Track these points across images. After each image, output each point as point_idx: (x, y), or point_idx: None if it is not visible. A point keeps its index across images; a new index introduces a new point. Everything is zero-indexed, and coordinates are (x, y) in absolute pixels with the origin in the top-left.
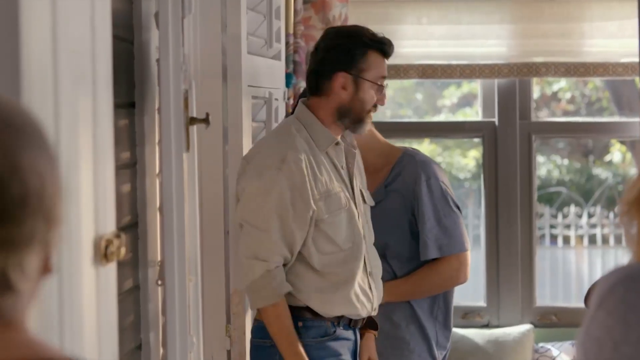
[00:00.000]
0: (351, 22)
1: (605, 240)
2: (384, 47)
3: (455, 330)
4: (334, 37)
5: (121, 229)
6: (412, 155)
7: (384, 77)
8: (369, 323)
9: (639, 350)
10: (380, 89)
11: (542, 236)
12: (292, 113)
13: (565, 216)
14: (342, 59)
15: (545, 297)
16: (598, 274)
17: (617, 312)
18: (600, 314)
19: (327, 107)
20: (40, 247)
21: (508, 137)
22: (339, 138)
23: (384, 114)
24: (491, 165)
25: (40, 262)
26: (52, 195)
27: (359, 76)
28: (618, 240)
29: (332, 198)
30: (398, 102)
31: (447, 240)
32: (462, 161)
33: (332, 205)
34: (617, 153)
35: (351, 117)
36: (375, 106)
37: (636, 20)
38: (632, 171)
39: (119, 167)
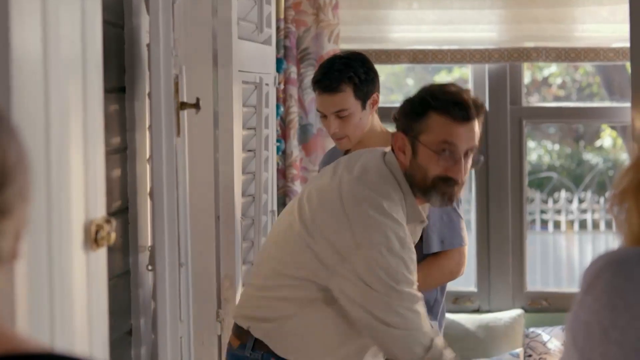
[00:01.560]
0: (342, 8)
1: (595, 225)
2: (450, 108)
3: (446, 315)
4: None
5: (111, 214)
6: None
7: (449, 143)
8: None
9: (627, 335)
10: (445, 156)
11: (533, 221)
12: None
13: (555, 201)
14: (403, 118)
15: (536, 282)
16: (589, 259)
17: (604, 297)
18: (588, 299)
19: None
20: (14, 225)
21: (499, 122)
22: (424, 215)
23: None
24: (482, 151)
25: (12, 244)
26: (20, 170)
27: (417, 139)
28: (609, 225)
29: None
30: (389, 87)
31: (449, 234)
32: None
33: None
34: (607, 138)
35: (415, 185)
36: (447, 178)
37: (627, 5)
38: (623, 156)
39: (110, 152)
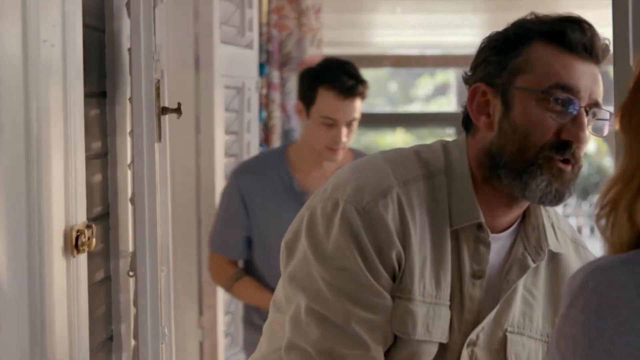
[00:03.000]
0: (325, 12)
1: (579, 230)
2: (565, 32)
3: None
4: None
5: (92, 219)
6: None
7: (564, 86)
8: None
9: (616, 343)
10: (557, 108)
11: None
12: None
13: None
14: None
15: None
16: None
17: (590, 307)
18: (573, 311)
19: None
20: None
21: None
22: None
23: None
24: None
25: None
26: None
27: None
28: (593, 230)
29: None
30: (371, 91)
31: None
32: None
33: None
34: (592, 144)
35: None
36: (563, 144)
37: (610, 10)
38: (607, 162)
39: (90, 157)
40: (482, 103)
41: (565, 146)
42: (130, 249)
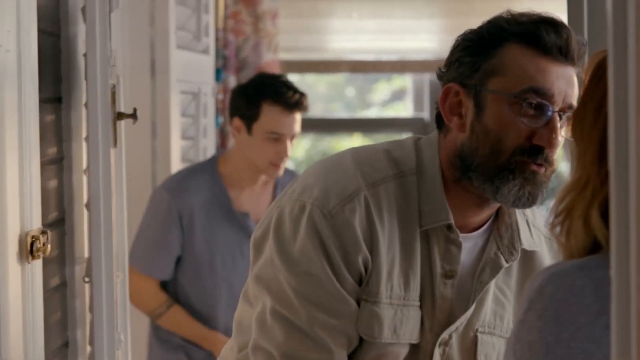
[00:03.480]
0: (281, 16)
1: None
2: (540, 34)
3: None
4: None
5: (47, 225)
6: (294, 175)
7: (537, 91)
8: None
9: (572, 349)
10: (530, 111)
11: None
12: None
13: None
14: None
15: None
16: None
17: (548, 312)
18: (530, 317)
19: None
20: None
21: None
22: None
23: (315, 108)
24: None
25: None
26: None
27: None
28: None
29: None
30: (329, 96)
31: None
32: None
33: None
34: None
35: (475, 168)
36: (535, 149)
37: (565, 16)
38: (563, 167)
39: (45, 163)
40: (455, 103)
41: (537, 151)
42: (86, 254)
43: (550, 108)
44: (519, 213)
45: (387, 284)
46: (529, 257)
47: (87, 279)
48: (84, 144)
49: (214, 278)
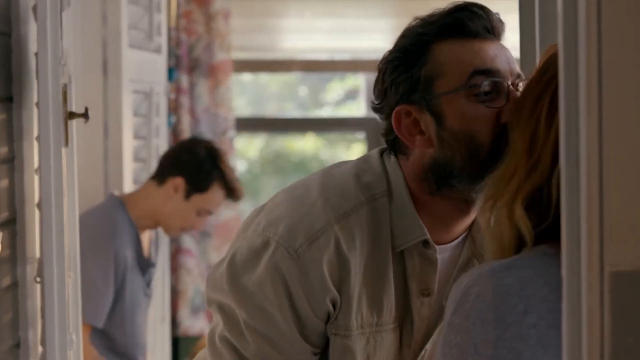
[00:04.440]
0: (234, 16)
1: None
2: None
3: None
4: None
5: None
6: None
7: (483, 71)
8: None
9: (499, 350)
10: (487, 94)
11: None
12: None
13: None
14: None
15: None
16: None
17: (475, 313)
18: (457, 318)
19: None
20: None
21: None
22: None
23: (268, 108)
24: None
25: None
26: None
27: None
28: None
29: None
30: (282, 96)
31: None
32: (346, 155)
33: None
34: None
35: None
36: None
37: (517, 14)
38: None
39: None
40: (410, 124)
41: None
42: (37, 254)
43: (504, 82)
44: None
45: (357, 314)
46: None
47: (38, 279)
48: (35, 144)
49: (135, 324)
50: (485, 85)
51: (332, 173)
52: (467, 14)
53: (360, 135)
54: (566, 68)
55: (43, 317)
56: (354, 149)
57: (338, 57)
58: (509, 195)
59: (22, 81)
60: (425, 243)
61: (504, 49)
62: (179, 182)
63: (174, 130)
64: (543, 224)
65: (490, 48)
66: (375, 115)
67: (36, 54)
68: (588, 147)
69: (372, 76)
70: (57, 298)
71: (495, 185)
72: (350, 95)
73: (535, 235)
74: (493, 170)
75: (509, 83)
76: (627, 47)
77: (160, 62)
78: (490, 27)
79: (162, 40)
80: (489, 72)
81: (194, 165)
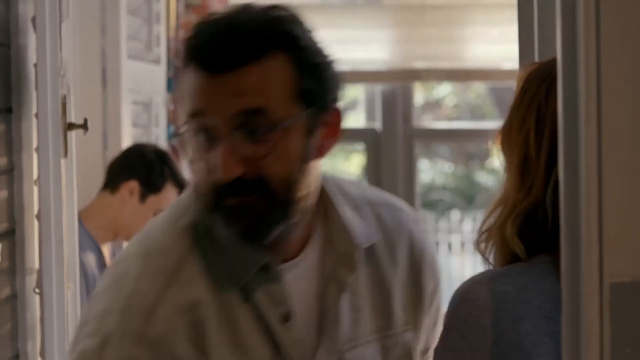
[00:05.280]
0: None
1: None
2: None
3: None
4: None
5: None
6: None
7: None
8: None
9: (495, 356)
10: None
11: None
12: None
13: (448, 221)
14: None
15: None
16: None
17: (471, 319)
18: (454, 323)
19: None
20: None
21: (390, 143)
22: None
23: None
24: (374, 171)
25: None
26: None
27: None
28: None
29: None
30: None
31: None
32: (345, 167)
33: None
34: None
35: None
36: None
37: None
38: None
39: None
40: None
41: (216, 187)
42: (37, 265)
43: (209, 129)
44: (341, 205)
45: None
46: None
47: (37, 290)
48: (35, 155)
49: None
50: (198, 132)
51: (149, 232)
52: (191, 37)
53: (360, 146)
54: (565, 80)
55: (42, 328)
56: (353, 160)
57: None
58: (503, 218)
59: (21, 92)
60: (265, 267)
61: (227, 83)
62: (133, 185)
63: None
64: (541, 238)
65: (207, 84)
66: (373, 126)
67: (35, 65)
68: (587, 159)
69: (371, 87)
70: (57, 309)
71: (493, 213)
72: (349, 106)
73: (535, 248)
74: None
75: (222, 129)
76: (627, 53)
77: (159, 73)
78: (209, 53)
79: (162, 51)
80: (198, 114)
81: (145, 166)
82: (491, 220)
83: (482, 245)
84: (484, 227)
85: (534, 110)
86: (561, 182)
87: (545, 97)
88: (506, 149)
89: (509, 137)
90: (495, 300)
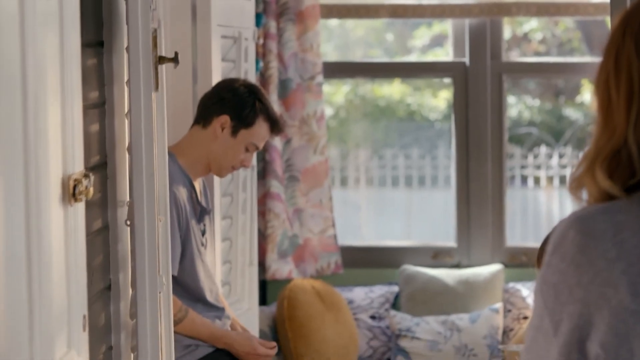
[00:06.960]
0: None
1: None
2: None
3: (425, 270)
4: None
5: (90, 168)
6: None
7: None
8: None
9: (590, 293)
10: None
11: (513, 177)
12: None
13: (535, 157)
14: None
15: (515, 237)
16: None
17: (569, 256)
18: (555, 260)
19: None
20: None
21: (479, 78)
22: None
23: (354, 54)
24: (462, 106)
25: None
26: None
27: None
28: None
29: None
30: (368, 42)
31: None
32: (432, 102)
33: None
34: (587, 94)
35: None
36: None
37: None
38: None
39: (87, 107)
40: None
41: None
42: (128, 198)
43: None
44: None
45: None
46: None
47: (128, 222)
48: (126, 88)
49: (196, 272)
50: None
51: None
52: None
53: (447, 80)
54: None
55: (133, 259)
56: (441, 95)
57: (425, 2)
58: (590, 159)
59: (112, 26)
60: None
61: None
62: (224, 120)
63: (262, 75)
64: (630, 181)
65: None
66: (463, 60)
67: None
68: None
69: (460, 22)
70: (148, 241)
71: (583, 162)
72: (437, 41)
73: (627, 190)
74: None
75: None
76: None
77: (248, 8)
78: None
79: None
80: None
81: (237, 101)
82: (583, 166)
83: (577, 192)
84: (576, 173)
85: (614, 54)
86: None
87: (622, 39)
88: (594, 92)
89: (597, 79)
90: (592, 238)
